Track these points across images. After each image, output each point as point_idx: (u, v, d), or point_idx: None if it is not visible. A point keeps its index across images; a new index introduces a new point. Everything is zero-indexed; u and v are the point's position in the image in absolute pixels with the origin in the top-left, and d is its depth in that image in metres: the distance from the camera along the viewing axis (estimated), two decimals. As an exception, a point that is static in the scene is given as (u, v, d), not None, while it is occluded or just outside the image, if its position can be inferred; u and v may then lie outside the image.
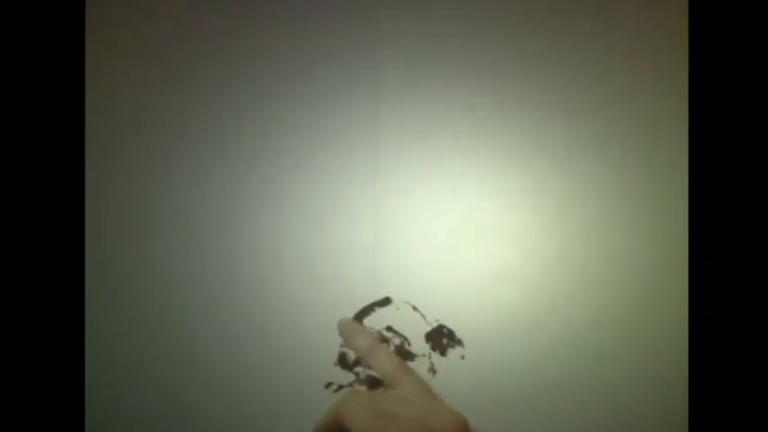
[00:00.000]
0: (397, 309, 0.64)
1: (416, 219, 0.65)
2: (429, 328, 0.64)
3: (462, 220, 0.65)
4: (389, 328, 0.64)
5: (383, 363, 0.56)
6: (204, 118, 0.67)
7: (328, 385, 0.63)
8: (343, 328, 0.60)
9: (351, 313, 0.64)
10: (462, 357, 0.64)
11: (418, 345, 0.64)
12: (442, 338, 0.64)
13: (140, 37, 0.68)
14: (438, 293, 0.64)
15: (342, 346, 0.64)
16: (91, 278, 0.64)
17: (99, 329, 0.64)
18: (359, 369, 0.64)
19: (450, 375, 0.64)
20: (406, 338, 0.64)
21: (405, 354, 0.64)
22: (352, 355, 0.63)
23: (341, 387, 0.63)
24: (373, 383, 0.64)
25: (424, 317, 0.64)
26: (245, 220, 0.65)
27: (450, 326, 0.64)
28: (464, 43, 0.66)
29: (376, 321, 0.64)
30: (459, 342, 0.64)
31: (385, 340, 0.64)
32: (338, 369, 0.64)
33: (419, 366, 0.64)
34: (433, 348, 0.64)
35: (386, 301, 0.64)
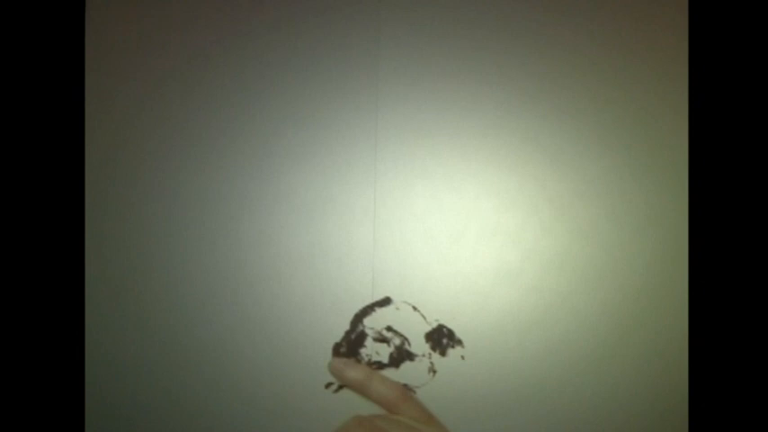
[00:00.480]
0: (397, 309, 0.64)
1: (416, 219, 0.65)
2: (429, 328, 0.64)
3: (462, 220, 0.65)
4: (389, 328, 0.64)
5: (381, 391, 0.57)
6: (203, 118, 0.67)
7: (328, 385, 0.63)
8: (333, 368, 0.61)
9: (351, 313, 0.64)
10: (462, 357, 0.64)
11: (418, 345, 0.64)
12: (442, 338, 0.64)
13: (140, 37, 0.68)
14: (438, 293, 0.64)
15: (342, 340, 0.64)
16: (91, 278, 0.64)
17: (99, 329, 0.64)
18: (359, 369, 0.64)
19: (450, 375, 0.64)
20: (406, 338, 0.64)
21: (405, 354, 0.64)
22: (344, 348, 0.63)
23: (341, 387, 0.63)
24: (373, 383, 0.63)
25: (424, 317, 0.64)
26: (244, 220, 0.65)
27: (450, 326, 0.64)
28: (464, 43, 0.67)
29: (376, 321, 0.64)
30: (459, 342, 0.64)
31: (385, 340, 0.64)
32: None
33: (419, 366, 0.64)
34: (433, 348, 0.64)
35: (386, 301, 0.64)
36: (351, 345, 0.64)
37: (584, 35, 0.66)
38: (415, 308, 0.64)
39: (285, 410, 0.63)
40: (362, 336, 0.64)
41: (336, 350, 0.63)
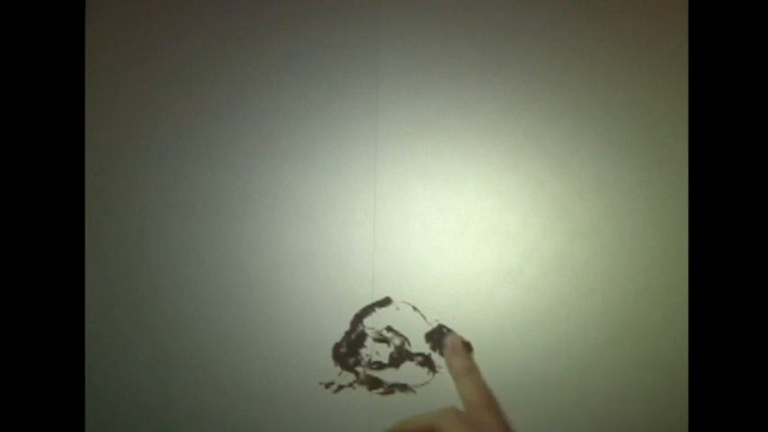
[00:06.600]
0: (397, 309, 0.64)
1: (416, 219, 0.65)
2: (429, 328, 0.64)
3: (462, 220, 0.65)
4: (389, 328, 0.64)
5: (467, 391, 0.57)
6: (203, 118, 0.67)
7: (328, 385, 0.63)
8: (451, 345, 0.61)
9: (351, 313, 0.64)
10: (462, 357, 0.64)
11: (418, 345, 0.64)
12: (442, 338, 0.64)
13: (140, 37, 0.68)
14: (438, 293, 0.64)
15: (343, 340, 0.64)
16: (91, 278, 0.64)
17: (99, 329, 0.64)
18: (359, 369, 0.64)
19: (450, 375, 0.63)
20: (406, 338, 0.64)
21: (405, 354, 0.64)
22: (344, 348, 0.63)
23: (341, 387, 0.63)
24: (373, 384, 0.64)
25: (424, 317, 0.64)
26: (244, 221, 0.65)
27: (450, 326, 0.64)
28: (464, 43, 0.67)
29: (376, 321, 0.64)
30: (459, 342, 0.64)
31: (385, 340, 0.64)
32: (338, 369, 0.64)
33: (419, 366, 0.64)
34: (433, 348, 0.64)
35: (386, 301, 0.64)
36: (351, 345, 0.64)
37: (585, 35, 0.66)
38: (415, 308, 0.64)
39: (285, 410, 0.63)
40: (362, 336, 0.64)
41: (336, 350, 0.63)
